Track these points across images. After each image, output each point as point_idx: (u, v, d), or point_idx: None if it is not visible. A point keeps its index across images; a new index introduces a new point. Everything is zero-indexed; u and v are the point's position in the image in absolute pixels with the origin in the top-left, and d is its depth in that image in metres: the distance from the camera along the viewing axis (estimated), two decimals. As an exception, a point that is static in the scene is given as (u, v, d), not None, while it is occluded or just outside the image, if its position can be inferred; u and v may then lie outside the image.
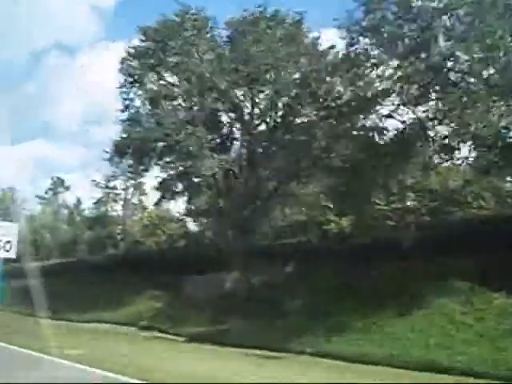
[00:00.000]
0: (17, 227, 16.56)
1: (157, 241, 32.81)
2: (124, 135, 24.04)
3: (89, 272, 29.80)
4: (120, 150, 24.23)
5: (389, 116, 16.86)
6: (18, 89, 65.89)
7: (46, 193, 50.19)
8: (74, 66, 71.11)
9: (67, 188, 49.92)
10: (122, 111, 24.21)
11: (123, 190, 39.30)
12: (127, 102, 24.06)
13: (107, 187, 37.32)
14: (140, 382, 8.97)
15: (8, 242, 15.37)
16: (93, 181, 37.54)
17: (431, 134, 16.09)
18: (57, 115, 76.45)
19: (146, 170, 24.98)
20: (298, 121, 22.27)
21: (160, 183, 24.70)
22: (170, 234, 32.68)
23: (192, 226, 33.18)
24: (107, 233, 38.96)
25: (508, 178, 18.50)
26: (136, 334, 20.59)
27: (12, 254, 15.55)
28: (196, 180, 23.82)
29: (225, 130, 24.46)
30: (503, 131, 14.61)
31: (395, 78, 16.12)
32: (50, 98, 68.54)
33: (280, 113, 23.08)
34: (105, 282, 26.77)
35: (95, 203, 41.83)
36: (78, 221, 45.36)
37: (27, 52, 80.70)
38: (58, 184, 50.02)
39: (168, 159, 23.55)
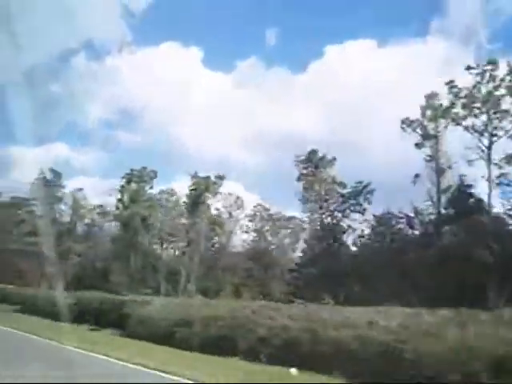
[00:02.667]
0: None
1: None
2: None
3: None
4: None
5: None
6: (44, 90, 67.22)
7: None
8: (100, 69, 72.83)
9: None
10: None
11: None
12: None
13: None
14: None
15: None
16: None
17: None
18: (80, 118, 77.82)
19: None
20: None
21: None
22: None
23: None
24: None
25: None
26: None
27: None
28: None
29: None
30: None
31: None
32: (74, 100, 69.93)
33: None
34: None
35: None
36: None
37: (55, 53, 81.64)
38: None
39: None
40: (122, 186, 52.72)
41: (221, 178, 51.06)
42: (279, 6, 66.20)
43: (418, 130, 39.61)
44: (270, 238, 54.03)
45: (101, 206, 56.47)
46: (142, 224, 50.85)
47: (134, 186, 52.95)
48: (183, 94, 65.44)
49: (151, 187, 53.39)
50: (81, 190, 56.66)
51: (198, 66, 68.03)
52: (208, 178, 50.39)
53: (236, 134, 66.40)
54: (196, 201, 49.69)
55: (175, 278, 45.98)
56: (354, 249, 42.42)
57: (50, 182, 55.98)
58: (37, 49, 61.50)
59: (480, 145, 36.87)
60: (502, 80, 36.53)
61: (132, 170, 53.05)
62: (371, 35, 64.78)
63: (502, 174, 36.49)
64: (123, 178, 52.85)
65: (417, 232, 39.48)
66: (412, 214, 38.99)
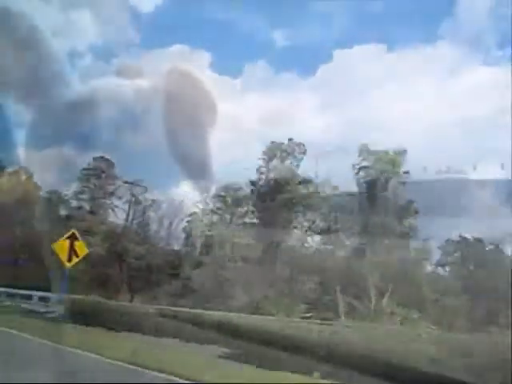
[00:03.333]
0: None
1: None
2: None
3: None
4: None
5: None
6: (50, 92, 66.68)
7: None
8: (107, 72, 70.73)
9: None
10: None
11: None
12: None
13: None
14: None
15: None
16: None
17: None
18: (88, 120, 76.16)
19: None
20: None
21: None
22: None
23: None
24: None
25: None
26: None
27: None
28: None
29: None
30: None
31: None
32: (81, 102, 68.43)
33: None
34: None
35: None
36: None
37: (61, 56, 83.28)
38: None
39: None
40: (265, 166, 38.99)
41: (401, 154, 36.09)
42: (287, 9, 58.50)
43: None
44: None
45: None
46: (295, 215, 37.05)
47: (278, 163, 39.43)
48: (192, 97, 61.81)
49: (297, 165, 38.82)
50: (140, 181, 41.94)
51: (206, 70, 62.88)
52: (387, 153, 35.46)
53: (247, 138, 58.22)
54: (375, 182, 35.14)
55: (355, 290, 31.13)
56: None
57: (101, 173, 43.31)
58: (42, 52, 59.83)
59: None
60: None
61: (273, 142, 39.44)
62: (380, 39, 56.84)
63: None
64: (264, 153, 39.38)
65: None
66: None
